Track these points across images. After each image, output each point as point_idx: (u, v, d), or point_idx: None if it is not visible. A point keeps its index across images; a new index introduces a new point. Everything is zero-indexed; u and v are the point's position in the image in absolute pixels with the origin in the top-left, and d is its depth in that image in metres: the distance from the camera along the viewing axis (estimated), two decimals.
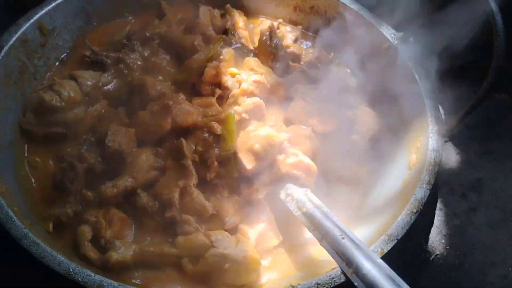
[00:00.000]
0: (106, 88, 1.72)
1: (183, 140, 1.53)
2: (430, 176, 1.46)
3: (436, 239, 1.86)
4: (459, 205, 1.97)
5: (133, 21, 2.02)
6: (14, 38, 1.62)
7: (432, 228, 1.85)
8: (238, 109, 1.61)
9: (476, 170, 2.06)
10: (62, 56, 1.87)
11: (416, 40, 1.77)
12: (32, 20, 1.69)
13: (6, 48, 1.59)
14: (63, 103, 1.59)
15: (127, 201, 1.50)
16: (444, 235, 1.88)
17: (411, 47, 1.77)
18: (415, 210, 1.39)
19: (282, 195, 1.53)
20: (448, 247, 1.84)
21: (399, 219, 1.37)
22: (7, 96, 1.59)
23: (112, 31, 1.93)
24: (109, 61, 1.77)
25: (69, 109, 1.61)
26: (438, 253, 1.81)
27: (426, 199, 1.42)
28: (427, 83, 1.68)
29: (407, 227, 1.36)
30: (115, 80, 1.74)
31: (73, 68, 1.79)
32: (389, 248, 1.31)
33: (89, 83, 1.68)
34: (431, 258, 1.78)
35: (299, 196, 1.47)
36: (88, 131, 1.62)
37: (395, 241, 1.32)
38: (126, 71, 1.75)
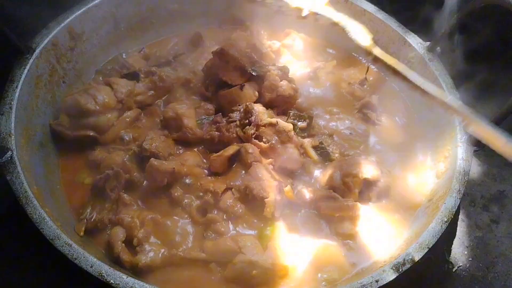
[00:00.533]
0: (139, 98, 1.75)
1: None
2: (460, 185, 1.46)
3: (459, 250, 1.84)
4: (481, 217, 1.95)
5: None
6: (45, 41, 1.64)
7: (455, 239, 1.83)
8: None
9: (498, 182, 2.04)
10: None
11: (443, 49, 1.77)
12: (62, 24, 1.71)
13: (37, 50, 1.61)
14: (97, 107, 1.61)
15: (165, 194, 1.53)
16: (467, 247, 1.86)
17: (438, 57, 1.77)
18: (445, 219, 1.38)
19: None
20: (470, 259, 1.82)
21: (430, 228, 1.36)
22: (37, 98, 1.60)
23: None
24: (141, 74, 1.80)
25: (102, 113, 1.62)
26: (460, 264, 1.79)
27: (456, 208, 1.41)
28: (454, 93, 1.68)
29: (438, 236, 1.35)
30: (149, 91, 1.78)
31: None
32: (420, 257, 1.30)
33: (123, 90, 1.69)
34: (453, 270, 1.76)
35: None
36: (118, 137, 1.65)
37: (426, 249, 1.32)
38: (161, 84, 1.78)
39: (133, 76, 1.78)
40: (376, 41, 1.91)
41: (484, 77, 1.75)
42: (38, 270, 1.47)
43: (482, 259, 1.81)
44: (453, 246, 1.82)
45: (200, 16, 2.09)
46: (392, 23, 1.89)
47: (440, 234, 1.36)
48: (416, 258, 1.30)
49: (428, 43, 1.82)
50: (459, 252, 1.83)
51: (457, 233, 1.84)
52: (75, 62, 1.81)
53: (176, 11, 2.05)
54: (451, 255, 1.79)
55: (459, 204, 1.43)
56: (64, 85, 1.76)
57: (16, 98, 1.49)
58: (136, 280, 1.19)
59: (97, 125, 1.62)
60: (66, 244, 1.23)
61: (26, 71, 1.55)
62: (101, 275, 1.19)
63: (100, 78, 1.81)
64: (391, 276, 1.25)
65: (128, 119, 1.68)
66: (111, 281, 1.18)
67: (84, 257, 1.21)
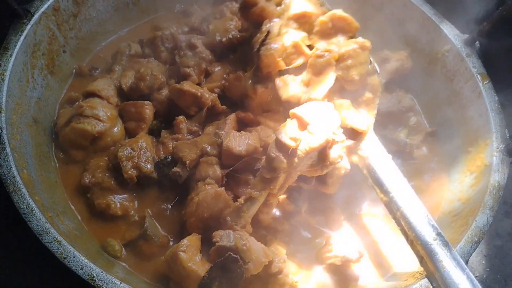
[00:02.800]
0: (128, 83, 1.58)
1: None
2: (493, 201, 1.32)
3: (476, 259, 1.75)
4: (502, 225, 1.84)
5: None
6: (46, 6, 1.48)
7: None
8: None
9: None
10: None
11: (483, 44, 1.60)
12: None
13: (36, 16, 1.45)
14: (106, 124, 1.46)
15: None
16: (485, 256, 1.76)
17: (477, 53, 1.60)
18: (476, 239, 1.25)
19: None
20: (488, 269, 1.73)
21: (458, 248, 1.23)
22: (34, 68, 1.46)
23: None
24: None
25: (112, 127, 1.49)
26: (477, 274, 1.70)
27: (488, 227, 1.28)
28: (493, 94, 1.52)
29: (467, 258, 1.23)
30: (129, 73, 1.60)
31: None
32: None
33: (111, 92, 1.54)
34: None
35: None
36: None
37: None
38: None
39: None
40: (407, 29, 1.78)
41: None
42: (26, 260, 1.37)
43: (500, 270, 1.72)
44: None
45: None
46: (428, 10, 1.71)
47: (470, 256, 1.23)
48: None
49: (466, 35, 1.64)
50: (476, 261, 1.74)
51: None
52: (78, 30, 1.66)
53: None
54: (467, 264, 1.69)
55: (491, 222, 1.30)
56: (65, 55, 1.61)
57: (10, 69, 1.34)
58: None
59: (115, 142, 1.49)
60: (55, 240, 1.11)
61: (22, 38, 1.40)
62: (92, 279, 1.07)
63: None
64: None
65: None
66: (103, 286, 1.07)
67: (74, 257, 1.09)
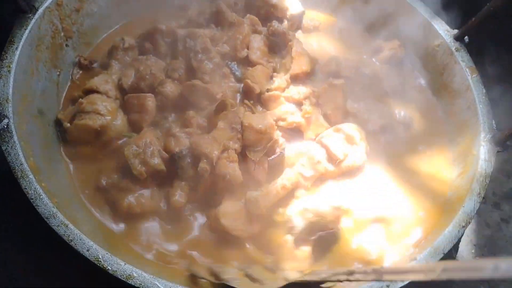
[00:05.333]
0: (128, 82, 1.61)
1: None
2: (480, 188, 1.38)
3: (466, 248, 1.80)
4: (492, 215, 1.90)
5: None
6: (49, 1, 1.53)
7: (463, 237, 1.78)
8: None
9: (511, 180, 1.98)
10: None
11: (472, 39, 1.66)
12: None
13: (40, 10, 1.49)
14: (107, 117, 1.50)
15: None
16: (475, 245, 1.81)
17: (466, 47, 1.67)
18: (463, 224, 1.31)
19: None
20: (477, 258, 1.78)
21: (446, 232, 1.29)
22: (38, 61, 1.50)
23: None
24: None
25: (114, 120, 1.52)
26: None
27: (475, 212, 1.34)
28: (480, 87, 1.59)
29: (454, 241, 1.29)
30: (129, 72, 1.64)
31: None
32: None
33: (109, 86, 1.58)
34: None
35: None
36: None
37: (441, 255, 1.26)
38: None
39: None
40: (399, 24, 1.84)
41: None
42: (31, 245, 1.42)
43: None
44: (460, 243, 1.76)
45: None
46: (419, 7, 1.78)
47: (457, 239, 1.29)
48: None
49: (456, 31, 1.71)
50: (466, 250, 1.79)
51: (465, 230, 1.79)
52: (80, 25, 1.70)
53: None
54: (458, 253, 1.74)
55: (478, 208, 1.36)
56: (67, 49, 1.65)
57: (16, 61, 1.38)
58: (134, 268, 1.12)
59: (119, 134, 1.53)
60: (62, 224, 1.15)
61: (27, 32, 1.44)
62: (98, 260, 1.12)
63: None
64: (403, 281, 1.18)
65: None
66: (108, 267, 1.12)
67: (80, 240, 1.14)
